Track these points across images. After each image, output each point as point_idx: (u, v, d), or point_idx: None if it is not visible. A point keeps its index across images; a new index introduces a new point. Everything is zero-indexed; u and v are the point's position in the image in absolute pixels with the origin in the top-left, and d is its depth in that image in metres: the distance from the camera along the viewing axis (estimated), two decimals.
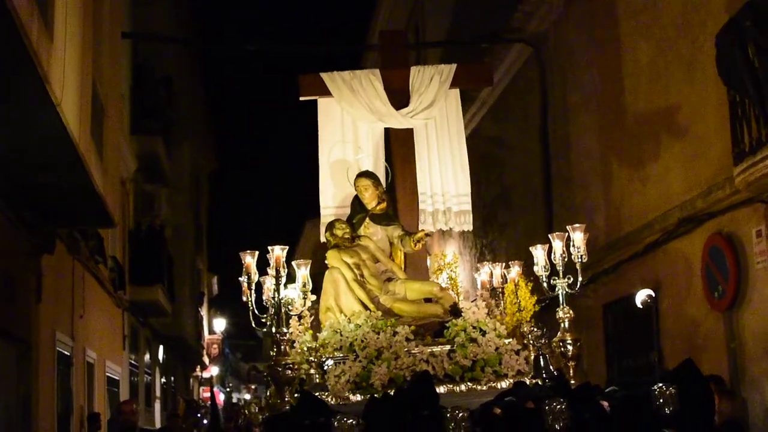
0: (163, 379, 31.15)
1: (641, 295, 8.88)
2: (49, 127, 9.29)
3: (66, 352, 15.17)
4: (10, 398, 12.17)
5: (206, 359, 43.74)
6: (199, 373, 43.34)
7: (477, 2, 19.95)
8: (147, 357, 26.98)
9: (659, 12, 12.97)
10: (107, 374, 19.19)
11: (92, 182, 11.34)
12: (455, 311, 10.04)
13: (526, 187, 18.09)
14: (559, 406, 7.66)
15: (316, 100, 11.34)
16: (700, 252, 11.82)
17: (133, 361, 23.67)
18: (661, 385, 7.87)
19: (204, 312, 42.45)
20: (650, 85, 13.25)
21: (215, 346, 45.44)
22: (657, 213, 12.90)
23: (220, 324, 49.02)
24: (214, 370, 47.69)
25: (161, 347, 29.82)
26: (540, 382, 9.31)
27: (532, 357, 9.87)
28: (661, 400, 7.84)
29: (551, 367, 9.68)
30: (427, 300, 10.27)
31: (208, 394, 42.73)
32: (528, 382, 9.26)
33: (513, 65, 18.34)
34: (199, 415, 26.33)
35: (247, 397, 61.60)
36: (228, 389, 65.39)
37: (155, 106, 24.13)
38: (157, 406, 28.75)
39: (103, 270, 17.81)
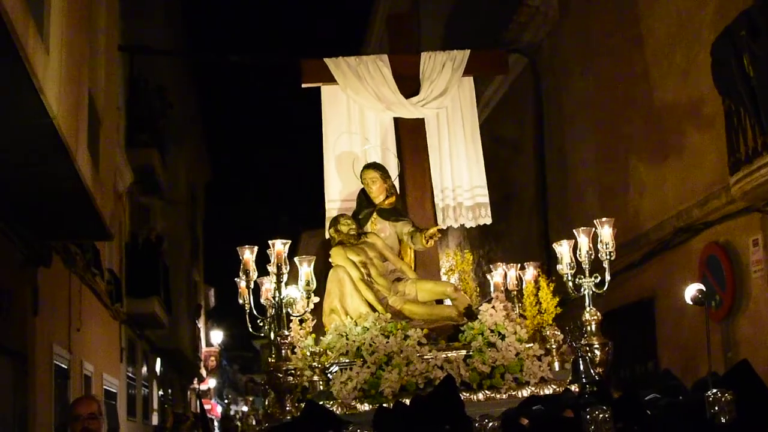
0: (161, 392, 31.11)
1: (691, 290, 7.96)
2: (45, 140, 9.28)
3: (63, 365, 15.15)
4: (7, 412, 12.15)
5: (203, 371, 43.69)
6: (196, 386, 43.29)
7: (472, 13, 19.96)
8: (144, 369, 26.94)
9: (654, 22, 12.98)
10: (105, 387, 19.16)
11: (89, 195, 11.33)
12: (470, 314, 9.43)
13: (522, 197, 18.09)
14: (602, 415, 6.59)
15: (319, 89, 10.76)
16: (697, 261, 11.81)
17: (130, 374, 23.64)
18: (715, 390, 6.71)
19: (201, 324, 42.42)
20: (645, 95, 13.25)
21: (212, 358, 45.42)
22: (653, 223, 12.90)
23: (217, 336, 49.02)
24: (211, 383, 47.69)
25: (158, 360, 29.80)
26: (578, 388, 8.46)
27: (556, 363, 9.15)
28: (716, 408, 6.69)
29: (592, 371, 8.71)
30: (439, 301, 9.69)
31: (206, 407, 42.75)
32: (573, 389, 8.46)
33: (508, 76, 18.34)
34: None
35: (245, 409, 61.54)
36: (226, 401, 65.31)
37: (150, 118, 24.13)
38: (155, 418, 28.69)
39: (99, 283, 17.79)
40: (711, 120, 11.37)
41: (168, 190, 27.97)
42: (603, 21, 14.62)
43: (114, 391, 20.57)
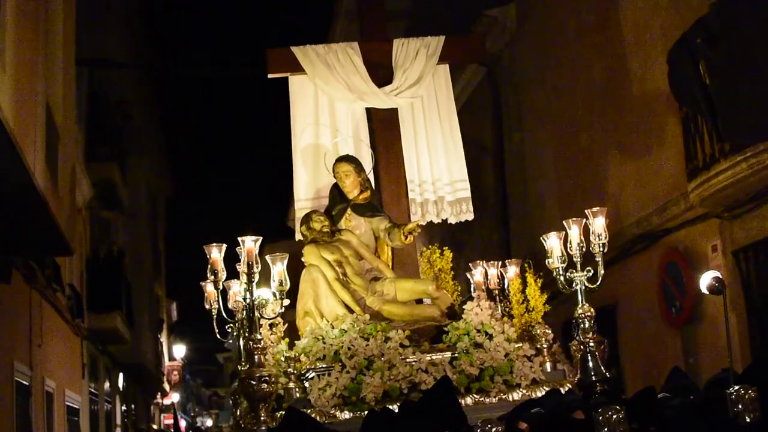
0: (124, 407, 30.89)
1: (706, 278, 6.95)
2: (2, 155, 9.21)
3: (24, 382, 15.00)
4: None
5: (167, 386, 43.44)
6: (160, 401, 43.05)
7: (430, 22, 20.00)
8: (107, 385, 26.74)
9: (611, 31, 13.06)
10: (67, 403, 18.99)
11: (48, 210, 11.25)
12: (453, 313, 8.92)
13: (483, 206, 18.13)
14: (615, 416, 5.98)
15: (287, 79, 10.16)
16: (657, 268, 11.88)
17: (92, 390, 23.45)
18: (738, 387, 6.08)
19: (163, 338, 42.18)
20: (604, 103, 13.33)
21: (175, 372, 45.13)
22: (613, 230, 12.93)
23: (180, 350, 48.70)
24: (175, 397, 47.38)
25: (121, 375, 29.58)
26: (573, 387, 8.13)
27: (547, 363, 8.77)
28: (740, 406, 6.06)
29: (602, 369, 8.20)
30: (419, 301, 9.18)
31: (169, 422, 42.49)
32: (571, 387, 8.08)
33: (467, 86, 18.41)
34: None
35: (209, 423, 61.26)
36: (192, 415, 65.01)
37: (111, 132, 24.01)
38: None
39: (60, 298, 17.64)
40: (668, 127, 11.45)
41: (129, 203, 27.84)
42: (561, 31, 14.70)
43: (76, 407, 20.40)
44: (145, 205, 33.01)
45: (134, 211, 29.70)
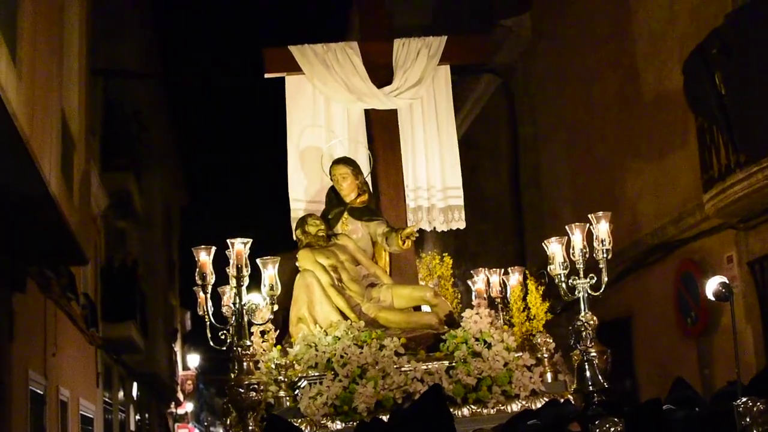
0: (138, 417, 30.91)
1: (713, 284, 6.47)
2: (18, 165, 9.22)
3: (39, 391, 15.02)
4: None
5: (181, 395, 43.46)
6: (173, 410, 43.06)
7: (445, 32, 20.03)
8: (121, 394, 26.76)
9: (626, 41, 13.05)
10: (81, 412, 19.01)
11: (63, 219, 11.26)
12: (451, 321, 8.70)
13: (498, 216, 18.12)
14: (613, 428, 5.65)
15: (284, 78, 9.91)
16: (672, 279, 11.84)
17: (107, 399, 23.47)
18: (746, 399, 5.80)
19: (177, 348, 42.21)
20: (619, 114, 13.31)
21: (189, 382, 45.13)
22: (628, 241, 12.92)
23: (194, 360, 48.70)
24: (188, 407, 47.40)
25: (135, 384, 29.60)
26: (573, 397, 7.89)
27: (548, 374, 8.53)
28: (748, 419, 5.75)
29: (601, 379, 7.88)
30: (417, 309, 8.94)
31: (183, 431, 42.51)
32: (570, 397, 7.86)
33: (482, 96, 18.40)
34: None
35: None
36: (206, 424, 64.99)
37: (126, 141, 24.08)
38: None
39: (75, 307, 17.66)
40: (684, 138, 11.42)
41: (144, 213, 27.90)
42: (576, 41, 14.68)
43: (90, 416, 20.41)
44: (159, 214, 33.06)
45: (149, 220, 29.77)
